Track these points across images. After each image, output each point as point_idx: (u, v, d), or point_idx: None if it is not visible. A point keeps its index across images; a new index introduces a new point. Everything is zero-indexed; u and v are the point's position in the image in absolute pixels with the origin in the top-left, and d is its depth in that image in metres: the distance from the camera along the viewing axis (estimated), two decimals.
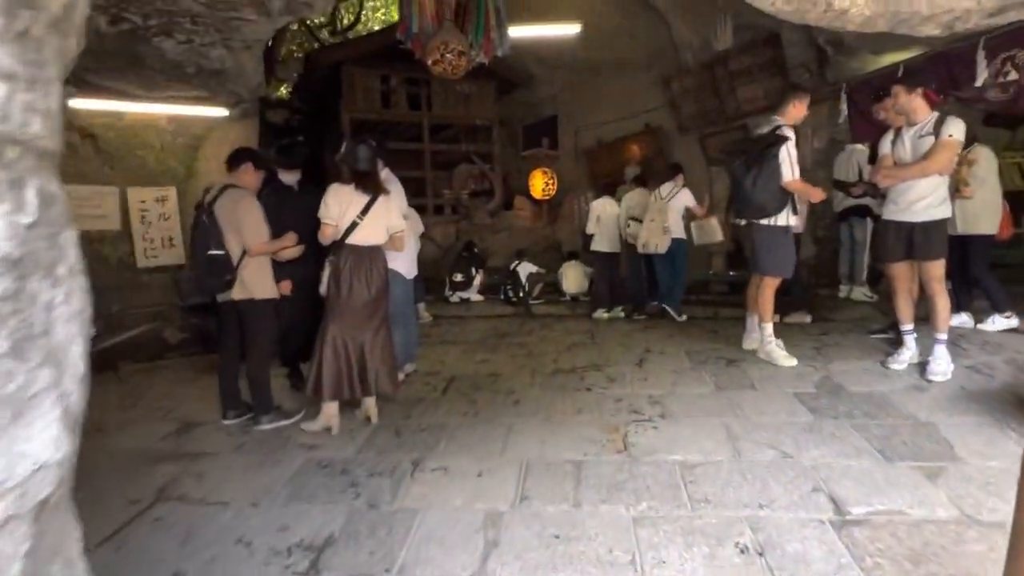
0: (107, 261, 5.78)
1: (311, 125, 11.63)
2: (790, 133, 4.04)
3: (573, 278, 7.90)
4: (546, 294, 8.09)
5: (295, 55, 12.54)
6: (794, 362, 4.00)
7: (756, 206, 4.12)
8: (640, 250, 6.09)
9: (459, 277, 7.82)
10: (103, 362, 5.30)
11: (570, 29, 5.91)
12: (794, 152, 4.02)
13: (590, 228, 6.64)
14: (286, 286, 3.84)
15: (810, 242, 7.03)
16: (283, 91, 14.35)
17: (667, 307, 6.03)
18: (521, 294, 7.72)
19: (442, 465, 2.84)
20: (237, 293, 3.41)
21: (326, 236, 3.33)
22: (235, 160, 3.43)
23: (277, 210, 3.77)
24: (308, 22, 14.85)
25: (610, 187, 6.98)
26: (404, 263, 3.97)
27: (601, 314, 6.70)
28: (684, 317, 5.99)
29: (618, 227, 6.58)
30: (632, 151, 9.76)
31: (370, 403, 3.47)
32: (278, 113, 8.78)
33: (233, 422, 3.59)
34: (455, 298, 7.93)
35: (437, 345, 5.44)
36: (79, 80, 4.72)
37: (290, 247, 3.55)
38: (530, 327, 6.22)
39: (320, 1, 3.50)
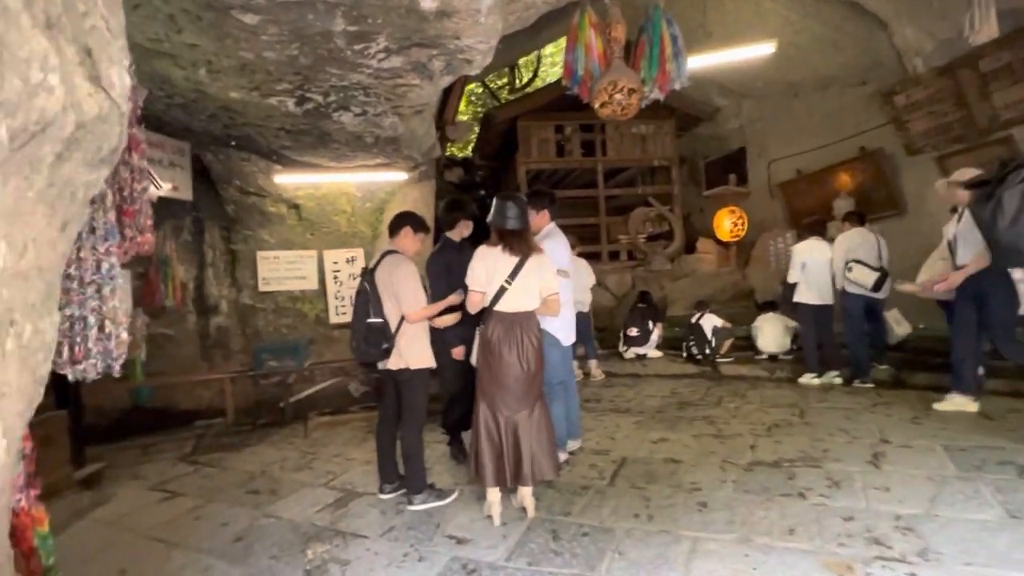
0: (306, 318, 6.34)
1: (489, 181, 12.15)
2: None
3: (771, 334, 6.74)
4: (736, 350, 7.02)
5: (476, 115, 13.38)
6: None
7: (1006, 248, 2.95)
8: (921, 293, 4.68)
9: (634, 331, 7.16)
10: (297, 412, 5.76)
11: (762, 50, 5.12)
12: None
13: (794, 276, 5.57)
14: (459, 352, 3.67)
15: None
16: (461, 151, 15.40)
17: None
18: (707, 351, 6.79)
19: None
20: (393, 363, 3.28)
21: (473, 304, 3.05)
22: (394, 225, 3.36)
23: (446, 271, 3.65)
24: (488, 84, 15.89)
25: (817, 226, 5.83)
26: (561, 325, 3.53)
27: (810, 380, 5.53)
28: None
29: (830, 274, 5.42)
30: (842, 181, 8.30)
31: (526, 493, 3.03)
32: (454, 172, 9.18)
33: (389, 496, 3.43)
34: (630, 354, 7.27)
35: (607, 414, 4.86)
36: (282, 157, 5.29)
37: (448, 317, 3.35)
38: (717, 394, 5.32)
39: (479, 58, 3.36)
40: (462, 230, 3.86)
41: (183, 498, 3.66)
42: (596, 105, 4.31)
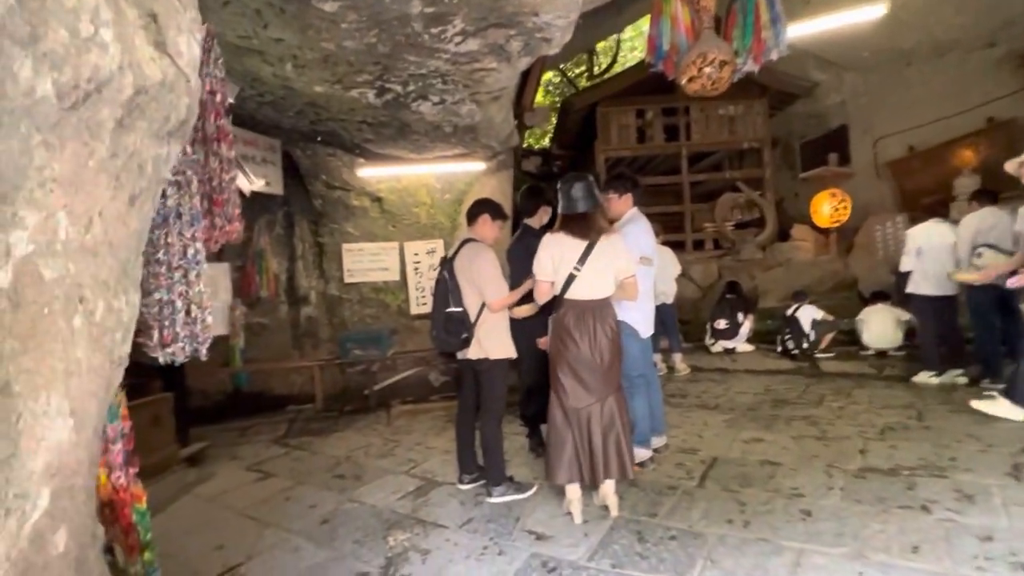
0: (388, 308, 6.49)
1: (567, 171, 11.93)
2: None
3: (880, 327, 6.14)
4: (837, 345, 6.46)
5: (554, 104, 13.19)
6: None
7: None
8: (979, 281, 4.22)
9: (722, 324, 6.76)
10: (380, 400, 5.91)
11: (871, 13, 4.59)
12: None
13: (907, 264, 5.01)
14: (544, 342, 3.57)
15: None
16: (538, 142, 15.24)
17: None
18: (804, 345, 6.29)
19: None
20: (473, 352, 3.23)
21: (541, 294, 2.93)
22: (472, 213, 3.31)
23: (527, 257, 3.56)
24: (566, 72, 15.63)
25: (937, 207, 5.20)
26: (641, 316, 3.33)
27: (927, 379, 4.96)
28: None
29: (953, 260, 4.81)
30: (965, 157, 7.41)
31: (607, 490, 2.88)
32: (532, 161, 9.07)
33: (468, 487, 3.40)
34: (717, 347, 6.88)
35: (694, 410, 4.60)
36: (365, 151, 5.41)
37: (524, 307, 3.25)
38: (819, 392, 4.89)
39: (557, 35, 3.21)
40: (542, 216, 3.76)
41: (275, 479, 3.83)
42: (683, 81, 4.03)
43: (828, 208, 8.57)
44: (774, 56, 4.03)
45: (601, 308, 2.87)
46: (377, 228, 6.36)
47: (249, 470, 4.05)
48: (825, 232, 8.87)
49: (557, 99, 15.72)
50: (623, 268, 2.90)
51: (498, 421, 3.27)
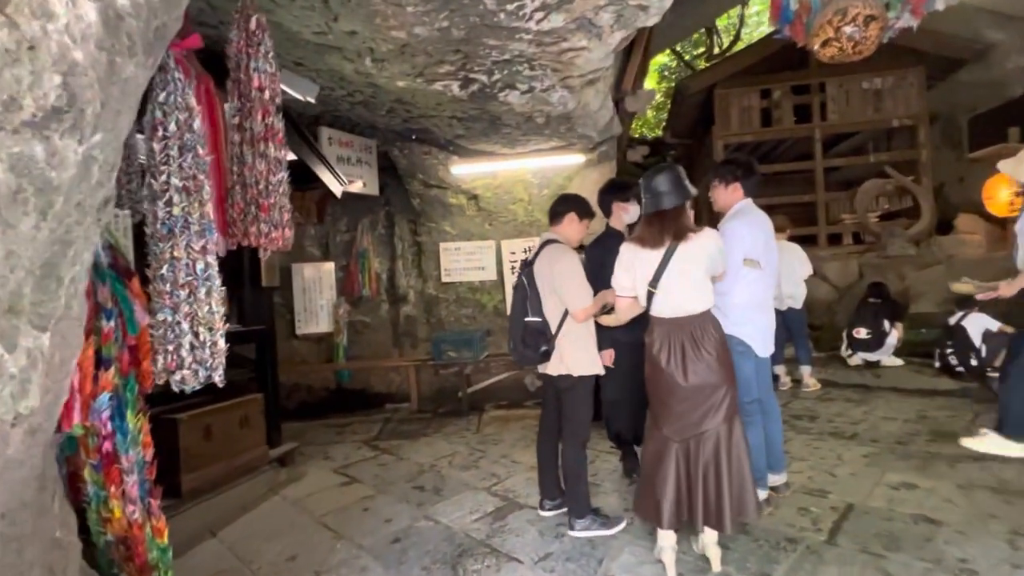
0: (484, 308, 6.32)
1: (682, 161, 11.10)
2: None
3: None
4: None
5: (670, 91, 12.31)
6: None
7: None
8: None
9: (863, 332, 5.79)
10: (473, 403, 5.77)
11: None
12: None
13: None
14: (608, 356, 3.18)
15: None
16: (652, 131, 14.38)
17: None
18: (973, 362, 5.18)
19: None
20: (554, 367, 2.89)
21: (622, 310, 2.52)
22: (556, 211, 2.96)
23: (599, 265, 3.17)
24: (682, 55, 14.60)
25: None
26: (755, 330, 2.78)
27: None
28: None
29: None
30: None
31: (709, 541, 2.42)
32: (638, 152, 8.45)
33: (550, 514, 3.09)
34: (856, 360, 5.92)
35: (825, 439, 3.89)
36: (458, 148, 5.25)
37: (612, 315, 2.84)
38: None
39: (656, 2, 2.75)
40: (620, 215, 3.30)
41: (359, 485, 3.78)
42: (816, 46, 3.34)
43: (1008, 194, 7.06)
44: (940, 5, 3.21)
45: (696, 325, 2.39)
46: (474, 226, 6.21)
47: (336, 472, 4.05)
48: (1002, 223, 7.34)
49: (674, 85, 14.76)
50: (714, 267, 2.41)
51: (582, 446, 2.91)
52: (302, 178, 4.94)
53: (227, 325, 1.70)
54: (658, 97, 14.37)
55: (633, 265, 2.43)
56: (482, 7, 2.72)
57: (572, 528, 2.85)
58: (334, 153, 4.78)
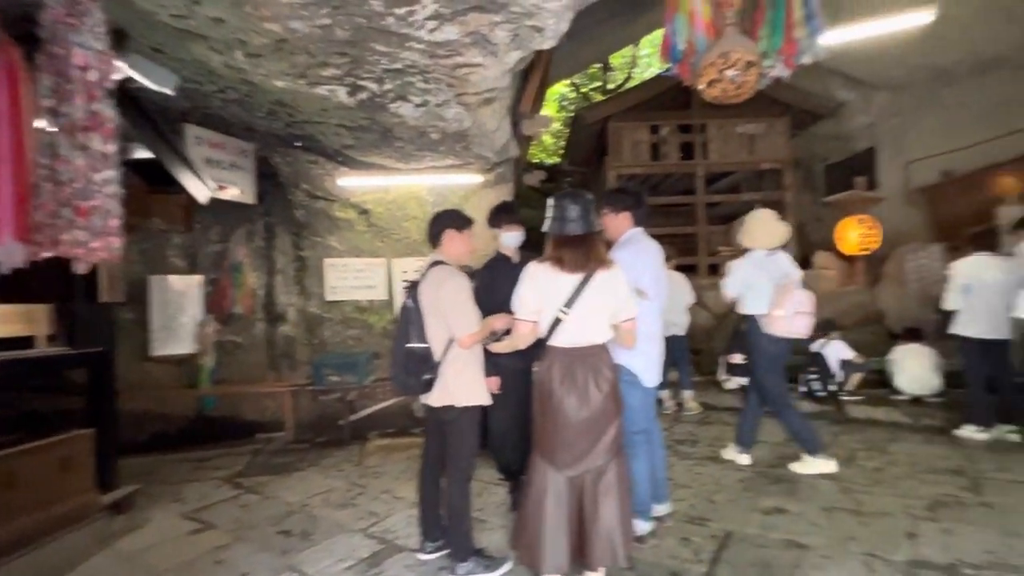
0: (372, 329, 5.98)
1: (576, 187, 11.44)
2: None
3: (915, 370, 5.52)
4: (867, 387, 5.82)
5: (568, 120, 12.73)
6: None
7: None
8: None
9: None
10: (357, 431, 5.37)
11: (918, 18, 4.05)
12: None
13: (953, 302, 4.41)
14: (492, 383, 3.04)
15: None
16: (550, 157, 14.78)
17: None
18: (831, 387, 5.66)
19: None
20: (437, 398, 2.69)
21: (522, 336, 2.39)
22: (434, 232, 2.77)
23: (487, 290, 3.04)
24: (580, 87, 15.21)
25: (987, 237, 4.60)
26: (644, 361, 2.77)
27: (973, 434, 4.34)
28: None
29: (1006, 300, 4.20)
30: (1008, 185, 6.78)
31: None
32: (534, 176, 8.56)
33: (430, 557, 2.84)
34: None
35: (706, 464, 4.00)
36: (347, 158, 4.94)
37: (506, 342, 2.70)
38: (849, 446, 4.27)
39: (551, 23, 2.73)
40: (508, 238, 3.21)
41: (213, 532, 3.29)
42: (702, 86, 3.50)
43: (856, 235, 7.95)
44: (807, 60, 3.50)
45: (595, 356, 2.32)
46: (364, 242, 5.87)
47: (187, 518, 3.51)
48: (851, 260, 8.23)
49: (572, 115, 15.31)
50: (621, 309, 2.36)
51: (467, 480, 2.71)
52: (165, 180, 4.40)
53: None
54: (557, 125, 14.81)
55: (546, 288, 2.32)
56: (368, 8, 2.52)
57: (454, 573, 2.64)
58: (202, 154, 4.27)
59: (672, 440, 4.60)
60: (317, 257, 5.85)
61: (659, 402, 5.67)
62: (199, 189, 3.77)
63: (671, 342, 5.20)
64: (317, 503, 3.69)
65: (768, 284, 3.67)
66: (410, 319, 2.70)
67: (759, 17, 3.52)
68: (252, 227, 5.95)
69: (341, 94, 3.41)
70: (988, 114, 6.97)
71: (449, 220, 2.76)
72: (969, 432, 4.37)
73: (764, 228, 3.78)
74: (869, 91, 8.64)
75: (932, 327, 5.95)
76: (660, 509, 3.03)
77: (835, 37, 3.77)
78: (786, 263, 3.75)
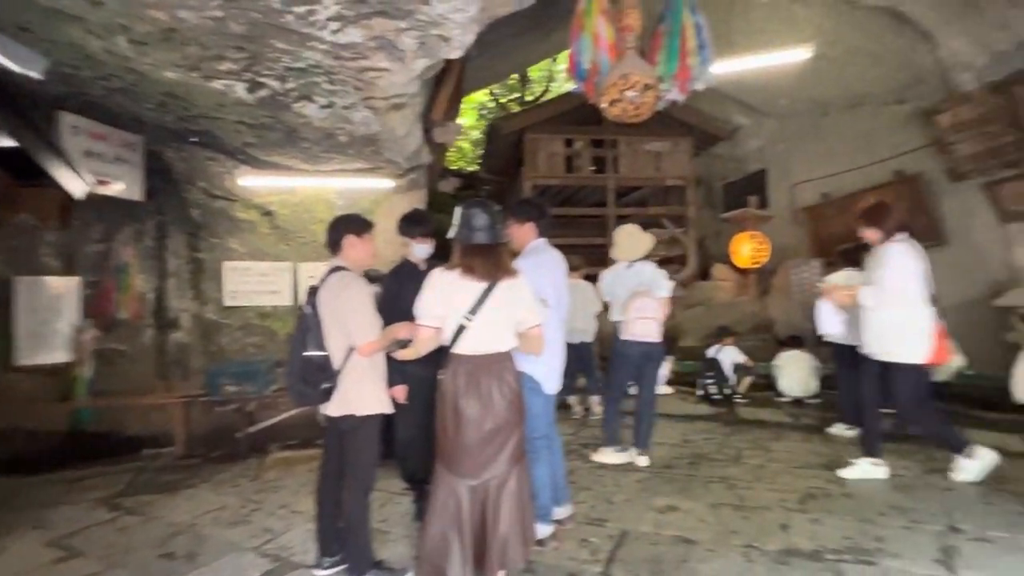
0: (276, 336, 5.70)
1: (495, 197, 11.57)
2: None
3: (795, 374, 6.02)
4: (755, 390, 6.29)
5: (487, 130, 12.84)
6: None
7: None
8: None
9: None
10: (256, 444, 5.09)
11: (795, 56, 4.49)
12: None
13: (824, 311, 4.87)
14: (399, 392, 3.01)
15: None
16: (470, 164, 14.86)
17: None
18: (727, 390, 6.06)
19: None
20: (336, 407, 2.61)
21: (423, 342, 2.39)
22: (333, 238, 2.69)
23: (397, 296, 3.00)
24: (499, 98, 15.41)
25: (854, 255, 5.12)
26: (545, 368, 2.85)
27: (842, 431, 4.80)
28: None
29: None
30: None
31: None
32: (450, 183, 8.57)
33: (327, 572, 2.74)
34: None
35: (607, 467, 4.15)
36: (249, 157, 4.71)
37: (410, 349, 2.67)
38: (737, 446, 4.59)
39: (457, 33, 2.76)
40: (417, 248, 3.20)
41: (81, 560, 3.00)
42: (604, 104, 3.68)
43: (748, 249, 8.60)
44: (699, 86, 3.77)
45: (498, 364, 2.36)
46: (267, 245, 5.60)
47: (51, 545, 3.17)
48: (744, 273, 8.89)
49: (481, 120, 15.45)
50: (525, 318, 2.41)
51: (365, 493, 2.65)
52: (36, 172, 3.97)
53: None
54: (477, 133, 14.91)
55: (450, 294, 2.32)
56: (263, 3, 2.42)
57: None
58: (80, 146, 3.89)
59: (578, 444, 4.74)
60: (215, 259, 5.51)
61: (567, 407, 5.83)
62: (74, 183, 3.44)
63: (579, 349, 5.37)
64: (207, 522, 3.46)
65: (625, 293, 3.94)
66: (308, 326, 2.62)
67: (657, 44, 3.76)
68: (141, 226, 5.50)
69: (239, 90, 3.25)
70: (859, 144, 7.77)
71: (350, 225, 2.70)
72: (839, 430, 4.82)
73: (626, 241, 4.04)
74: (761, 117, 9.39)
75: (812, 335, 6.51)
76: (560, 512, 3.10)
77: (724, 67, 4.10)
78: (648, 273, 4.02)
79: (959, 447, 3.50)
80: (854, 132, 7.87)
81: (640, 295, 3.88)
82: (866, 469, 3.64)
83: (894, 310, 3.45)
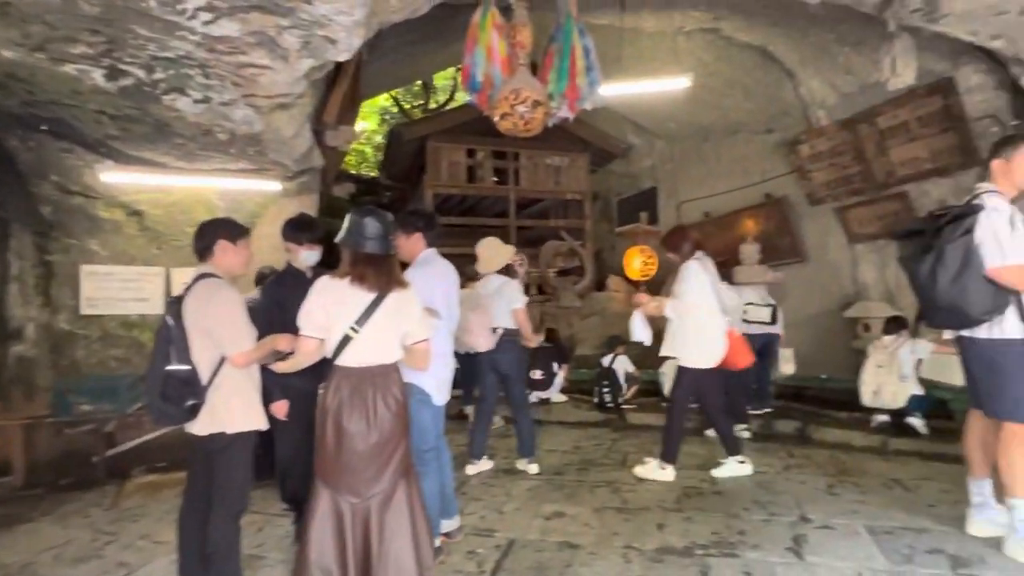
0: (143, 349, 5.18)
1: (397, 204, 11.36)
2: (998, 202, 2.63)
3: None
4: (643, 395, 6.62)
5: (386, 129, 12.60)
6: None
7: (947, 308, 2.70)
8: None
9: (538, 374, 6.56)
10: (116, 469, 4.58)
11: (677, 83, 4.84)
12: (1002, 227, 2.57)
13: None
14: (280, 408, 2.85)
15: None
16: (371, 169, 14.51)
17: None
18: (620, 398, 6.31)
19: None
20: (202, 426, 2.40)
21: (306, 353, 2.28)
22: (204, 243, 2.50)
23: (281, 305, 2.84)
24: (402, 104, 15.21)
25: (723, 268, 5.56)
26: (435, 379, 2.81)
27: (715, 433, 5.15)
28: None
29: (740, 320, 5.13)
30: (748, 227, 8.31)
31: None
32: (344, 187, 8.32)
33: None
34: (533, 398, 6.64)
35: (499, 476, 4.17)
36: (113, 151, 4.27)
37: (290, 360, 2.51)
38: (623, 450, 4.80)
39: (343, 36, 2.69)
40: (303, 255, 3.07)
41: None
42: (496, 117, 3.73)
43: (639, 263, 9.06)
44: (588, 106, 3.94)
45: (383, 376, 2.28)
46: (135, 249, 5.09)
47: None
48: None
49: (379, 128, 15.16)
50: (413, 332, 2.36)
51: (235, 518, 2.45)
52: None
53: None
54: (379, 138, 14.57)
55: (337, 304, 2.20)
56: None
57: None
58: None
59: (473, 456, 4.71)
60: (71, 263, 4.92)
61: (464, 417, 5.81)
62: None
63: (474, 359, 5.37)
64: (46, 561, 3.05)
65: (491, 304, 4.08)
66: (170, 338, 2.39)
67: (548, 63, 3.89)
68: None
69: (97, 76, 2.93)
70: (735, 168, 8.50)
71: (221, 228, 2.52)
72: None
73: (483, 254, 4.12)
74: (652, 138, 10.00)
75: None
76: (449, 525, 3.06)
77: (613, 89, 4.32)
78: (494, 285, 4.13)
79: (735, 450, 4.02)
80: (731, 157, 8.59)
81: (475, 309, 3.71)
82: (733, 468, 3.95)
83: (689, 319, 3.88)
